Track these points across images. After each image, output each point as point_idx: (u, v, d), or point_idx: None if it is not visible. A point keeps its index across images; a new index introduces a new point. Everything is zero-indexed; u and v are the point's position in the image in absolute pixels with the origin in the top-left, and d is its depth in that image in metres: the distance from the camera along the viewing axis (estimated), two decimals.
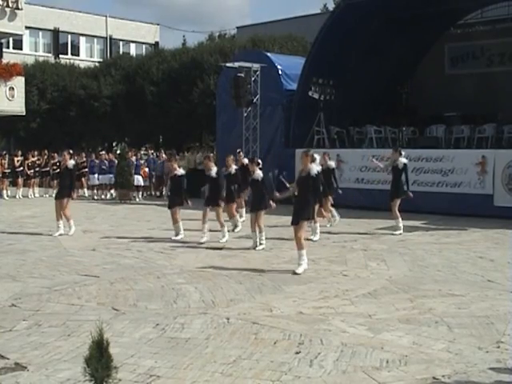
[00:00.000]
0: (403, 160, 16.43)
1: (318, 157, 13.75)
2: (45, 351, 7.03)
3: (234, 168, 16.23)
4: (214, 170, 15.37)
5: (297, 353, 6.97)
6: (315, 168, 11.39)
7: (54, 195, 17.95)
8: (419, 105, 26.01)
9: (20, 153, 29.18)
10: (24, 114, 33.25)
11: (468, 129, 21.95)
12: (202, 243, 14.72)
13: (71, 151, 17.50)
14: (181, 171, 15.80)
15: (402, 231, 16.26)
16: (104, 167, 28.00)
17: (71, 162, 16.55)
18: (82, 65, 42.12)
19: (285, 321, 8.20)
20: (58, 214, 16.33)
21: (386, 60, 24.71)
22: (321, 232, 15.57)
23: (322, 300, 9.35)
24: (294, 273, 11.13)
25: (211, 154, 17.35)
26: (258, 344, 7.27)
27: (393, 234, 16.13)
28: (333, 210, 17.70)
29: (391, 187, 16.62)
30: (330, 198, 17.55)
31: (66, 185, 16.40)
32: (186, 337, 7.52)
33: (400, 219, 16.31)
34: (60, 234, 16.07)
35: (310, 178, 11.25)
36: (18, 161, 28.43)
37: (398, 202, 16.31)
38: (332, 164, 17.84)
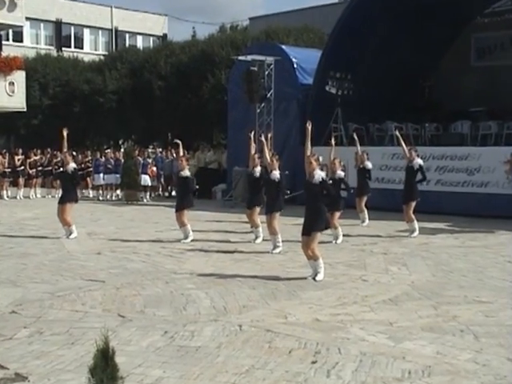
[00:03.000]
0: (419, 161, 16.40)
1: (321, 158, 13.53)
2: (47, 360, 7.05)
3: (258, 170, 15.42)
4: (257, 169, 15.31)
5: (313, 362, 6.96)
6: (319, 175, 11.13)
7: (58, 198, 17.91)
8: (443, 99, 25.91)
9: (21, 151, 29.31)
10: (25, 110, 33.39)
11: (495, 125, 21.85)
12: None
13: (74, 152, 17.46)
14: (186, 172, 15.72)
15: (418, 233, 16.27)
16: (110, 166, 28.08)
17: (72, 166, 16.40)
18: (86, 58, 42.27)
19: (300, 328, 8.19)
20: (60, 220, 16.39)
21: (407, 52, 24.62)
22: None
23: (340, 306, 9.33)
24: (314, 279, 11.11)
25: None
26: (272, 353, 7.26)
27: (411, 237, 16.14)
28: (365, 210, 18.54)
29: (405, 189, 16.61)
30: (365, 198, 18.45)
31: (68, 188, 16.45)
32: (196, 345, 7.53)
33: (415, 221, 16.32)
34: (75, 237, 16.15)
35: (314, 185, 11.12)
36: (18, 160, 28.57)
37: (414, 204, 16.30)
38: (369, 164, 18.24)
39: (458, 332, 8.05)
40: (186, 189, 15.72)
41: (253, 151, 15.85)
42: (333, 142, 15.85)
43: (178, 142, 16.25)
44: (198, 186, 16.27)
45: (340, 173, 15.63)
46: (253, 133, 16.43)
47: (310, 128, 11.79)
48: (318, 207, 11.11)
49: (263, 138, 15.32)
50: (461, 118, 22.74)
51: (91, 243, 15.47)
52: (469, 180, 20.34)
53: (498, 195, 19.65)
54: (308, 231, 11.14)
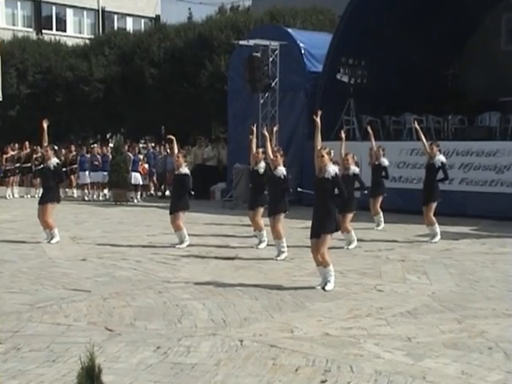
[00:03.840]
0: (441, 157, 16.37)
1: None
2: (24, 380, 7.03)
3: (263, 165, 15.46)
4: (261, 165, 15.31)
5: (322, 382, 6.96)
6: (332, 169, 11.15)
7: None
8: (468, 89, 25.84)
9: None
10: (0, 99, 33.33)
11: None
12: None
13: (55, 147, 17.45)
14: (185, 170, 15.72)
15: (440, 238, 16.25)
16: (96, 163, 28.08)
17: (54, 161, 16.41)
18: (70, 42, 42.22)
19: (308, 344, 8.19)
20: (41, 222, 16.40)
21: (428, 35, 24.59)
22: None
23: (352, 319, 9.33)
24: (323, 289, 11.12)
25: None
26: (277, 371, 7.26)
27: (431, 243, 16.12)
28: (381, 213, 18.47)
29: (424, 189, 16.56)
30: (380, 198, 18.34)
31: (50, 187, 16.44)
32: (192, 362, 7.52)
33: (436, 225, 16.30)
34: (57, 241, 16.15)
35: (325, 181, 11.14)
36: None
37: (434, 206, 16.28)
38: (385, 161, 18.21)
39: (485, 349, 8.03)
40: (183, 188, 15.68)
41: (254, 148, 15.76)
42: (343, 135, 15.70)
43: (172, 137, 16.22)
44: (193, 192, 16.18)
45: (354, 168, 15.63)
46: (255, 126, 16.35)
47: (318, 119, 11.77)
48: (328, 207, 11.12)
49: (265, 132, 15.32)
50: (489, 108, 22.63)
51: (75, 248, 15.48)
52: (497, 179, 20.30)
53: None
54: (317, 233, 11.14)
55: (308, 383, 6.91)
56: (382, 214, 18.46)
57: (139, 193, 27.82)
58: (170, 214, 15.78)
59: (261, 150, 15.67)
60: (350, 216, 15.36)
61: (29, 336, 8.54)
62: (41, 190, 18.22)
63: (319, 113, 11.89)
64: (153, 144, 32.73)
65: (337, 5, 30.17)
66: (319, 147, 11.37)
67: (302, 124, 24.67)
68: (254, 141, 15.95)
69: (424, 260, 13.94)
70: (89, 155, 28.65)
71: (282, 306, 10.07)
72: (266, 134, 15.15)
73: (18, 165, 28.98)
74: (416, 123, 17.78)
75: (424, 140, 16.69)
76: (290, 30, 26.32)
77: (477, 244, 16.24)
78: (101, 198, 28.35)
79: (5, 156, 28.70)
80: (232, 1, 48.91)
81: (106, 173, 27.48)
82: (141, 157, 28.54)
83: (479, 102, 23.84)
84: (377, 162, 18.45)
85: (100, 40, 40.12)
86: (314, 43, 25.61)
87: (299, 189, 18.31)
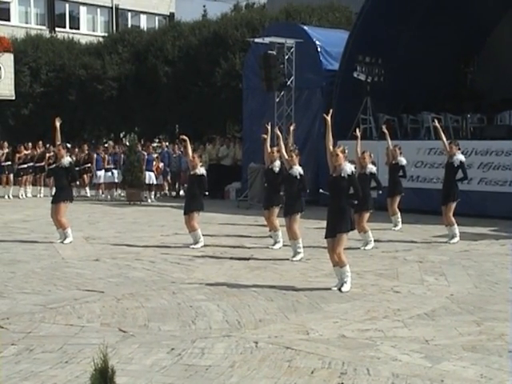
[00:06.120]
0: (460, 157, 16.31)
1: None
2: (37, 382, 7.05)
3: (278, 164, 15.35)
4: (277, 164, 15.29)
5: None
6: (349, 167, 11.15)
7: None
8: (487, 87, 25.65)
9: (6, 144, 29.33)
10: (13, 98, 33.45)
11: None
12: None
13: (68, 145, 17.50)
14: (202, 170, 15.72)
15: (459, 239, 16.20)
16: (109, 162, 28.15)
17: (67, 160, 16.44)
18: (83, 40, 42.30)
19: (324, 346, 8.18)
20: (54, 221, 16.46)
21: (447, 32, 24.44)
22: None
23: (369, 321, 9.32)
24: (339, 290, 11.11)
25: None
26: (293, 373, 7.25)
27: (450, 244, 16.06)
28: (398, 213, 18.45)
29: (444, 188, 16.51)
30: (398, 198, 18.32)
31: (63, 186, 16.47)
32: (207, 364, 7.53)
33: (456, 225, 16.25)
34: (71, 241, 16.22)
35: (341, 179, 11.12)
36: (3, 154, 28.60)
37: (454, 206, 16.23)
38: (403, 160, 18.19)
39: (505, 352, 7.99)
40: (198, 188, 15.68)
41: (269, 147, 15.70)
42: (358, 133, 15.61)
43: (185, 138, 16.18)
44: (207, 193, 16.20)
45: (371, 167, 15.61)
46: (269, 125, 16.27)
47: (329, 119, 11.78)
48: (342, 206, 11.11)
49: (278, 132, 15.26)
50: (508, 107, 22.52)
51: (89, 248, 15.52)
52: None
53: None
54: (332, 233, 11.14)
55: None
56: (399, 214, 18.42)
57: (153, 192, 27.83)
58: (185, 214, 15.80)
59: (275, 148, 15.61)
60: (366, 215, 15.34)
61: (41, 337, 8.57)
62: (54, 190, 18.28)
63: (330, 112, 11.90)
64: (167, 143, 32.70)
65: (353, 2, 30.10)
66: (331, 146, 11.38)
67: (318, 123, 24.58)
68: (268, 140, 15.90)
69: (442, 261, 13.90)
70: (108, 155, 28.68)
71: (297, 308, 10.07)
72: (279, 133, 15.12)
73: (31, 164, 29.01)
74: (436, 121, 17.71)
75: (444, 139, 16.60)
76: (305, 28, 26.27)
77: (496, 245, 16.17)
78: (115, 197, 28.39)
79: (18, 155, 28.75)
80: None
81: (116, 171, 27.61)
82: (155, 156, 28.55)
83: (498, 100, 23.72)
84: (394, 161, 18.40)
85: (114, 38, 40.13)
86: (331, 41, 25.57)
87: (321, 190, 18.26)
